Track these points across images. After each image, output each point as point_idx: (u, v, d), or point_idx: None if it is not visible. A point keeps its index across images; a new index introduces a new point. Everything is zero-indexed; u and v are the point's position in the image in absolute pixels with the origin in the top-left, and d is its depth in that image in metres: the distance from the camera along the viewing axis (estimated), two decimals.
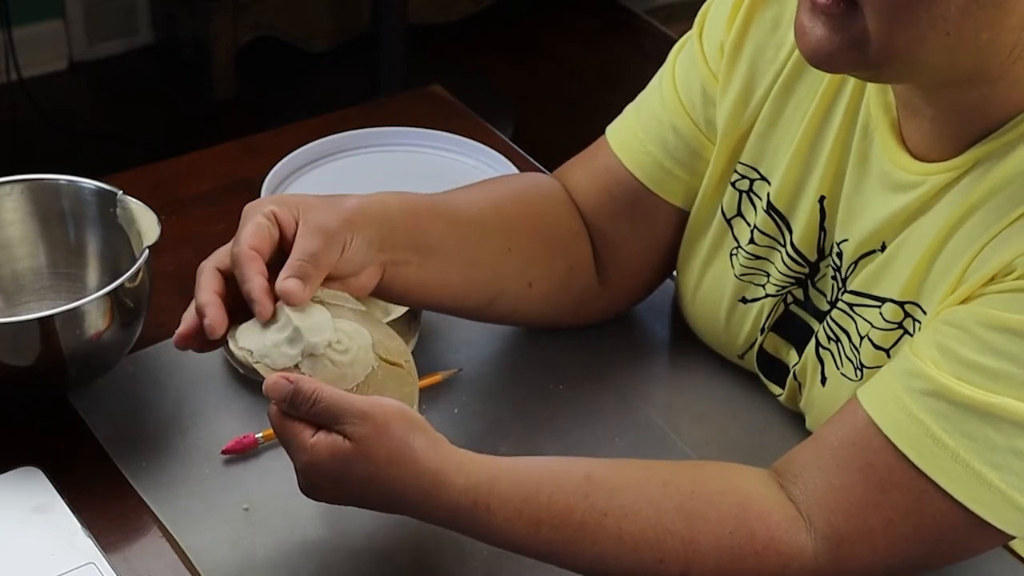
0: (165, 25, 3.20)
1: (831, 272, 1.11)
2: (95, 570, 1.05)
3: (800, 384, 1.16)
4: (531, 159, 1.51)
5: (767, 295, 1.16)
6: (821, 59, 0.96)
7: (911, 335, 1.03)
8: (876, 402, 0.98)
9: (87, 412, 1.19)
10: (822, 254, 1.11)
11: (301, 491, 0.99)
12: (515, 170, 1.45)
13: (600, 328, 1.29)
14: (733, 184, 1.17)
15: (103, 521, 1.10)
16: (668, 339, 1.31)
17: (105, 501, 1.12)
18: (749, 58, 1.14)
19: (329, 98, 2.88)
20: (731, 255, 1.18)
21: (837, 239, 1.09)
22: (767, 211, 1.14)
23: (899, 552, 0.97)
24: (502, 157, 1.47)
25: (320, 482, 0.97)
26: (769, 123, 1.13)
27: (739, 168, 1.16)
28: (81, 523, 1.08)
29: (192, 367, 1.23)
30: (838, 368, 1.10)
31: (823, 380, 1.12)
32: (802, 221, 1.11)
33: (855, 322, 1.08)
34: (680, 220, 1.22)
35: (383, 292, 1.09)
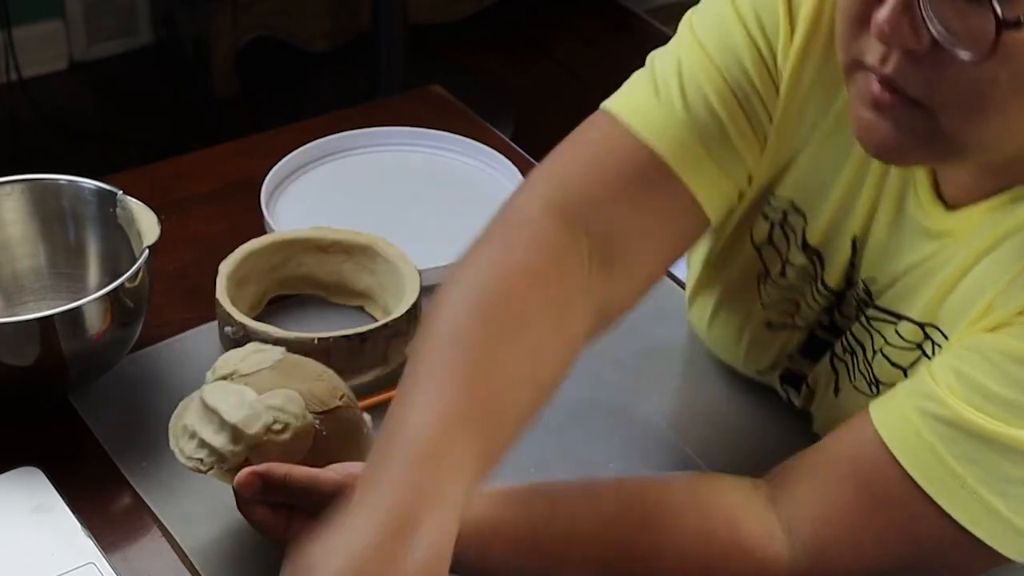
0: (165, 25, 3.20)
1: (855, 301, 1.08)
2: (95, 570, 1.05)
3: (813, 392, 1.14)
4: (531, 159, 1.51)
5: (796, 326, 1.13)
6: (890, 155, 0.93)
7: (929, 358, 1.01)
8: (886, 419, 0.96)
9: (87, 412, 1.19)
10: (850, 284, 1.08)
11: None
12: (515, 170, 1.45)
13: None
14: (764, 214, 1.11)
15: (103, 521, 1.10)
16: (669, 339, 1.30)
17: (105, 501, 1.12)
18: (807, 87, 1.05)
19: (329, 98, 2.88)
20: (758, 282, 1.14)
21: (863, 275, 1.06)
22: (802, 248, 1.10)
23: (890, 567, 0.97)
24: (502, 157, 1.47)
25: (308, 568, 0.90)
26: (814, 160, 1.06)
27: (772, 200, 1.10)
28: (81, 523, 1.08)
29: (192, 367, 1.23)
30: (851, 380, 1.09)
31: (836, 390, 1.11)
32: (834, 259, 1.08)
33: (871, 336, 1.06)
34: (690, 211, 1.06)
35: None
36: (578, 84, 3.25)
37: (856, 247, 1.06)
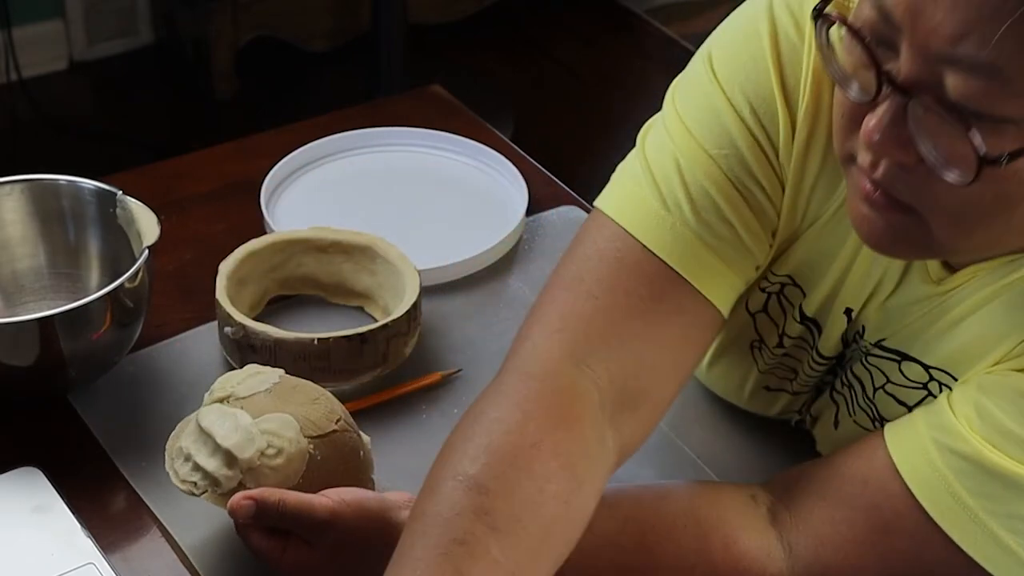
0: (165, 25, 3.20)
1: (860, 356, 1.06)
2: (95, 570, 1.05)
3: (815, 419, 1.13)
4: (531, 159, 1.51)
5: (794, 392, 1.12)
6: (884, 249, 0.92)
7: (935, 397, 1.00)
8: (901, 446, 0.95)
9: (87, 412, 1.19)
10: (846, 344, 1.07)
11: None
12: (515, 170, 1.45)
13: None
14: (761, 287, 1.08)
15: (103, 521, 1.10)
16: None
17: (105, 501, 1.12)
18: (812, 180, 1.01)
19: (329, 98, 2.89)
20: (752, 347, 1.12)
21: (870, 339, 1.04)
22: (801, 321, 1.08)
23: None
24: (502, 157, 1.47)
25: None
26: (815, 241, 1.04)
27: (770, 276, 1.07)
28: (81, 523, 1.08)
29: (192, 367, 1.23)
30: (851, 415, 1.07)
31: (836, 423, 1.09)
32: (830, 329, 1.06)
33: (871, 373, 1.05)
34: (704, 314, 1.01)
35: None
36: (578, 84, 3.25)
37: (851, 318, 1.05)
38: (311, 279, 1.31)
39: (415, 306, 1.23)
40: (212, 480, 1.03)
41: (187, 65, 3.14)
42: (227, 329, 1.20)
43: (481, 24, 3.38)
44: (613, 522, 0.99)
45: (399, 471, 1.11)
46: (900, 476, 0.94)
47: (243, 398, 1.06)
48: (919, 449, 0.94)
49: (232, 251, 1.26)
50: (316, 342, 1.18)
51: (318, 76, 3.18)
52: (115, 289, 1.14)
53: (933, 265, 0.98)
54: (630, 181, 1.02)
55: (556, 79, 3.29)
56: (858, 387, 1.06)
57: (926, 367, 1.00)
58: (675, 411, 1.23)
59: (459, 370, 1.24)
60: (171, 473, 1.05)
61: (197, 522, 1.09)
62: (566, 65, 3.33)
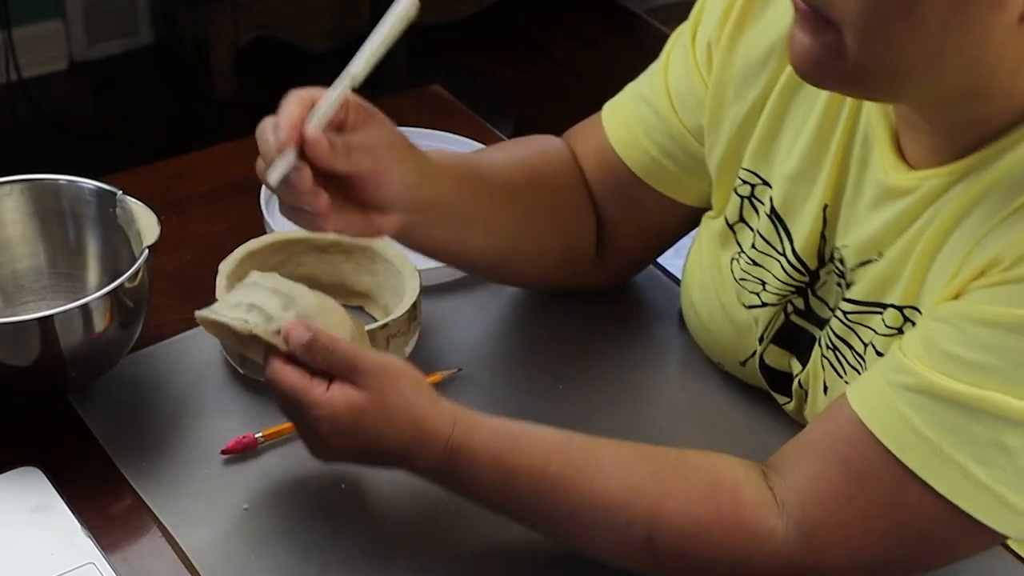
0: (165, 25, 3.20)
1: (834, 279, 1.10)
2: (95, 570, 1.05)
3: (805, 392, 1.15)
4: None
5: (764, 304, 1.15)
6: (805, 69, 0.96)
7: None
8: (861, 397, 0.98)
9: (87, 412, 1.19)
10: (823, 261, 1.11)
11: (312, 453, 1.05)
12: None
13: (601, 330, 1.29)
14: (735, 190, 1.16)
15: (103, 521, 1.10)
16: (671, 341, 1.31)
17: (105, 501, 1.12)
18: (742, 60, 1.13)
19: None
20: (732, 260, 1.18)
21: (838, 244, 1.08)
22: (769, 216, 1.13)
23: (877, 546, 0.98)
24: None
25: (332, 436, 1.01)
26: (770, 128, 1.12)
27: (741, 174, 1.15)
28: (81, 523, 1.08)
29: (192, 367, 1.23)
30: (841, 377, 1.09)
31: (825, 389, 1.12)
32: (805, 229, 1.10)
33: (855, 332, 1.07)
34: (674, 208, 1.23)
35: (402, 241, 1.15)
36: (578, 84, 3.25)
37: (827, 217, 1.08)
38: (311, 279, 1.31)
39: (415, 306, 1.23)
40: (266, 316, 1.03)
41: (187, 65, 3.14)
42: None
43: (481, 24, 3.39)
44: (632, 452, 1.04)
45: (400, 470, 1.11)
46: (865, 425, 0.96)
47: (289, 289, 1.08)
48: (878, 395, 0.96)
49: (232, 251, 1.26)
50: None
51: (318, 76, 3.16)
52: (115, 289, 1.14)
53: (888, 157, 1.02)
54: (626, 89, 1.25)
55: (556, 79, 3.29)
56: (845, 348, 1.09)
57: (900, 308, 1.03)
58: (677, 413, 1.23)
59: (459, 370, 1.24)
60: (214, 314, 1.06)
61: (197, 522, 1.10)
62: (566, 65, 3.33)
